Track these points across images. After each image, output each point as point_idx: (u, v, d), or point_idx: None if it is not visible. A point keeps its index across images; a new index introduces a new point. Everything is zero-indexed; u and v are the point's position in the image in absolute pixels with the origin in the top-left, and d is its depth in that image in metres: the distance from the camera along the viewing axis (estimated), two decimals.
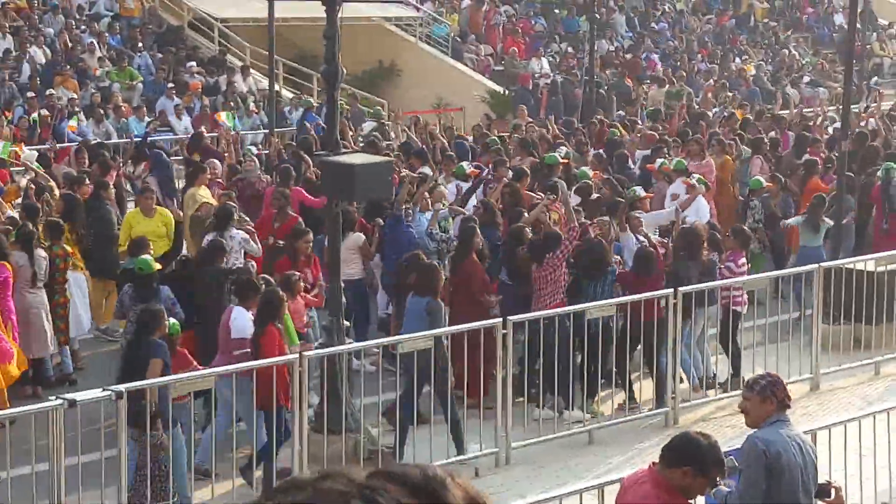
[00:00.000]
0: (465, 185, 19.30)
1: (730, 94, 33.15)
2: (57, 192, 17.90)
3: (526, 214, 16.86)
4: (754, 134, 24.29)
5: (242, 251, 15.91)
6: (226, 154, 22.17)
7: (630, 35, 41.76)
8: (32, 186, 18.46)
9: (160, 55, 32.08)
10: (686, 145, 22.15)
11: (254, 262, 15.72)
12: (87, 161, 20.62)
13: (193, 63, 31.79)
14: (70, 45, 30.89)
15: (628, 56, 38.89)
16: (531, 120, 27.68)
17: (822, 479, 8.55)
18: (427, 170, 19.63)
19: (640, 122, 26.69)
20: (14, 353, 13.78)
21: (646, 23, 42.84)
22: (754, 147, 22.58)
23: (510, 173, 19.82)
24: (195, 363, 12.65)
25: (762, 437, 8.19)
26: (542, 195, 17.85)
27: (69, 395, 10.87)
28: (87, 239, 16.84)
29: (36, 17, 31.69)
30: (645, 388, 15.18)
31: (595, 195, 18.60)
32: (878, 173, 21.10)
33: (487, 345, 13.82)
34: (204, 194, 18.50)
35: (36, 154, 21.20)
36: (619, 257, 15.93)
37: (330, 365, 12.84)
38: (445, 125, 27.12)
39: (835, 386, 16.02)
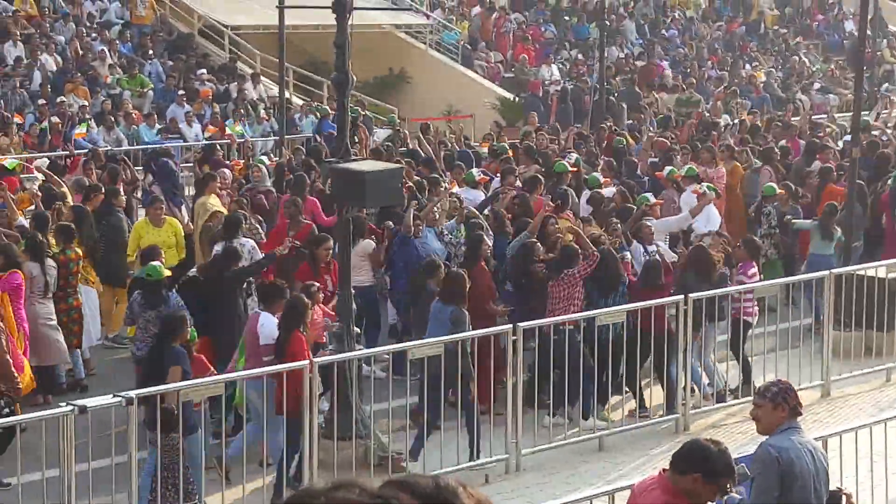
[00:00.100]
0: (474, 192, 19.26)
1: (740, 101, 33.12)
2: (70, 199, 17.95)
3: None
4: (763, 142, 24.27)
5: (252, 259, 15.92)
6: (232, 162, 22.24)
7: (640, 42, 41.76)
8: (39, 193, 18.51)
9: (171, 62, 32.14)
10: (697, 153, 22.13)
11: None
12: (93, 170, 20.66)
13: (204, 70, 31.85)
14: (81, 52, 30.96)
15: (639, 63, 38.87)
16: (540, 127, 27.66)
17: (833, 486, 8.53)
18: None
19: (651, 129, 26.66)
20: (25, 367, 13.77)
21: (656, 30, 42.85)
22: (764, 157, 22.54)
23: (518, 182, 19.85)
24: (212, 369, 12.70)
25: (775, 444, 8.17)
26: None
27: (79, 402, 10.89)
28: (95, 249, 16.86)
29: (47, 24, 31.77)
30: (655, 395, 15.16)
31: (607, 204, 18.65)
32: (889, 181, 21.09)
33: (496, 351, 13.82)
34: (214, 203, 18.52)
35: (47, 161, 21.28)
36: (628, 254, 15.95)
37: (340, 371, 12.85)
38: (458, 135, 27.14)
39: (846, 392, 15.99)
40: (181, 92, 29.85)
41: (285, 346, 12.49)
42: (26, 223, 16.87)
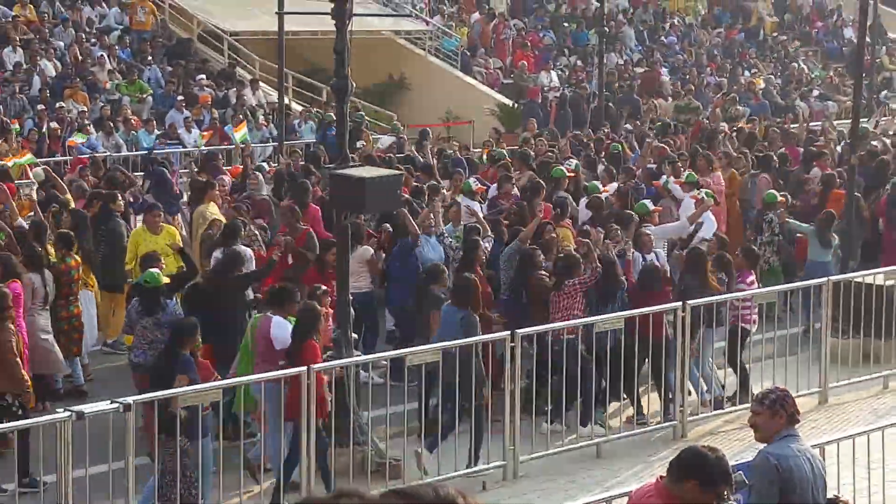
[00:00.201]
0: (471, 201, 19.25)
1: (739, 109, 33.13)
2: (73, 205, 17.95)
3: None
4: (760, 149, 24.28)
5: (253, 265, 15.93)
6: (232, 168, 22.26)
7: (639, 49, 41.80)
8: (34, 198, 18.53)
9: (170, 68, 32.15)
10: (694, 160, 22.15)
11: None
12: (89, 176, 20.66)
13: (203, 76, 31.86)
14: (80, 58, 30.97)
15: (639, 70, 38.90)
16: (539, 133, 27.68)
17: (830, 494, 8.54)
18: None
19: (650, 135, 26.66)
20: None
21: (655, 36, 42.89)
22: (762, 164, 22.56)
23: (515, 189, 19.87)
24: (216, 374, 12.73)
25: (774, 452, 8.17)
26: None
27: (77, 408, 10.88)
28: (94, 255, 16.86)
29: (46, 30, 31.78)
30: (653, 402, 15.16)
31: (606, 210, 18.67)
32: (887, 188, 21.12)
33: (493, 358, 13.83)
34: (213, 211, 18.52)
35: (42, 175, 21.26)
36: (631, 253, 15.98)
37: (338, 377, 12.84)
38: (459, 146, 27.16)
39: (843, 400, 15.99)
40: (180, 97, 29.86)
41: (299, 354, 12.51)
42: (25, 225, 16.87)
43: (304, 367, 12.15)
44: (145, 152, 25.37)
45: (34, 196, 19.10)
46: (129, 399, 10.99)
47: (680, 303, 14.52)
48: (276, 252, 15.70)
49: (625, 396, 15.13)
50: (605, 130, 27.52)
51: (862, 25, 21.80)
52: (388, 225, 17.58)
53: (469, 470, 13.23)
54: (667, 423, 14.72)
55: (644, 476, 12.91)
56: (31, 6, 32.33)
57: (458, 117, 34.26)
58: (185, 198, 21.17)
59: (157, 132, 27.90)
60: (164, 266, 15.06)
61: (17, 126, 25.94)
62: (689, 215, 18.63)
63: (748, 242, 18.39)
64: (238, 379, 12.86)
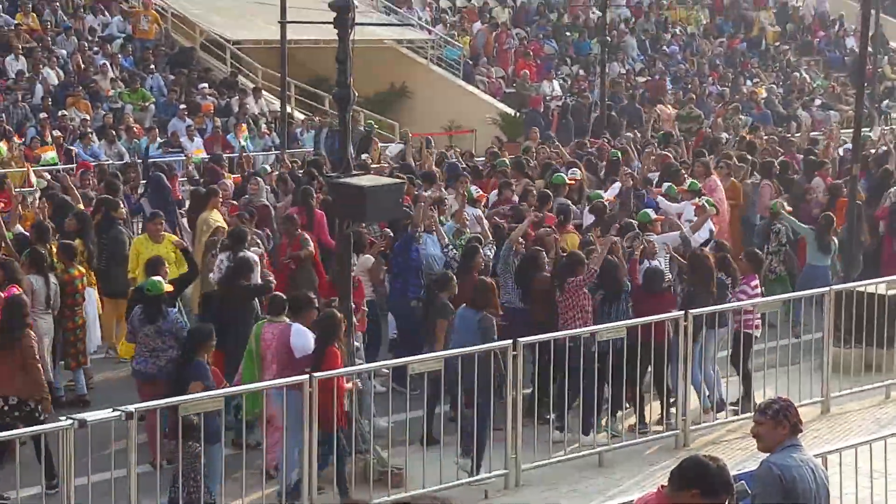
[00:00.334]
0: (472, 209, 19.27)
1: (742, 118, 33.14)
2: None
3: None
4: (760, 157, 24.29)
5: (259, 271, 15.94)
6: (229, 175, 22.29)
7: (641, 58, 41.83)
8: (44, 205, 18.54)
9: (172, 76, 32.18)
10: (692, 167, 22.17)
11: (273, 278, 15.76)
12: (90, 181, 20.66)
13: (205, 84, 31.89)
14: (83, 66, 31.00)
15: (641, 79, 38.93)
16: (542, 142, 27.69)
17: None
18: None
19: (653, 144, 26.64)
20: None
21: (657, 46, 42.91)
22: (763, 172, 22.57)
23: (516, 197, 19.89)
24: (225, 382, 12.76)
25: (777, 462, 8.16)
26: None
27: (79, 415, 10.88)
28: (97, 258, 16.89)
29: (49, 38, 31.80)
30: (656, 410, 15.16)
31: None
32: (890, 196, 21.13)
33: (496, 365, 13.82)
34: (217, 218, 18.53)
35: (45, 183, 21.29)
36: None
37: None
38: (461, 150, 27.20)
39: (845, 409, 15.98)
40: (183, 106, 29.88)
41: (320, 361, 12.54)
42: (25, 232, 16.89)
43: (306, 376, 12.16)
44: (144, 157, 25.35)
45: (37, 202, 19.10)
46: (131, 407, 10.99)
47: (682, 312, 14.50)
48: (285, 259, 15.74)
49: (627, 405, 15.12)
50: (606, 138, 27.52)
51: (864, 35, 21.81)
52: (388, 230, 17.59)
53: (471, 479, 13.22)
54: (669, 432, 14.72)
55: (646, 485, 12.91)
56: (34, 14, 32.38)
57: (461, 126, 34.28)
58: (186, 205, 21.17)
59: (159, 140, 27.93)
60: (167, 272, 15.08)
61: (19, 143, 25.91)
62: (692, 224, 18.64)
63: (750, 249, 18.34)
64: (247, 386, 12.86)
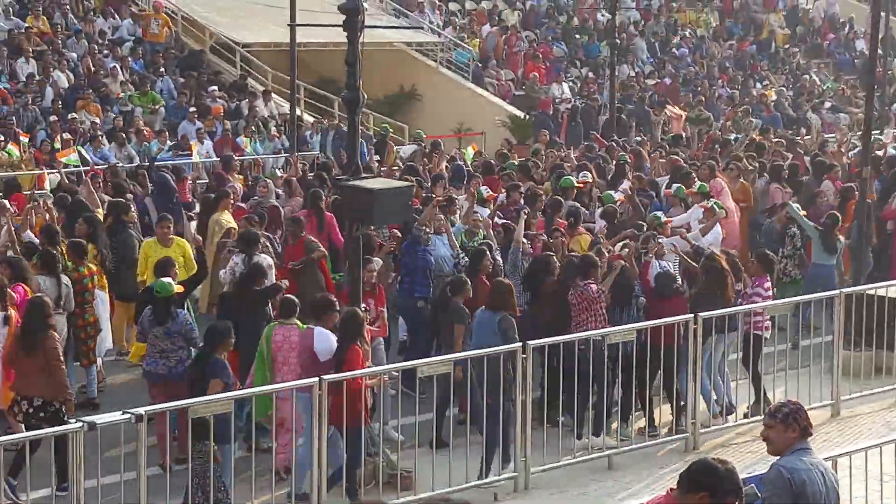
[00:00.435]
0: (481, 209, 19.28)
1: (752, 120, 33.11)
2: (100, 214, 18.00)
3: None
4: (769, 159, 24.27)
5: (273, 274, 15.96)
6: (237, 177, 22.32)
7: (651, 60, 41.81)
8: (52, 209, 18.57)
9: (182, 79, 32.23)
10: (698, 168, 22.16)
11: (286, 282, 15.79)
12: (101, 184, 20.69)
13: (215, 87, 31.92)
14: (93, 69, 31.05)
15: (650, 81, 38.88)
16: (551, 145, 27.68)
17: None
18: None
19: (664, 147, 26.62)
20: None
21: (666, 48, 42.89)
22: (772, 174, 22.55)
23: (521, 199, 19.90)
24: (238, 384, 12.80)
25: (786, 465, 8.15)
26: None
27: (89, 418, 10.89)
28: (108, 261, 16.92)
29: (59, 41, 31.87)
30: (665, 414, 15.14)
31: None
32: None
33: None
34: (228, 219, 18.56)
35: (57, 179, 21.35)
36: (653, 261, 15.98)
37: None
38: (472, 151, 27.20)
39: (856, 412, 15.95)
40: (192, 109, 29.92)
41: (343, 360, 12.58)
42: (34, 240, 16.92)
43: (316, 378, 12.17)
44: (151, 161, 25.40)
45: (49, 204, 19.13)
46: (141, 410, 11.00)
47: (691, 315, 14.49)
48: (295, 264, 15.78)
49: (638, 408, 15.11)
50: (616, 141, 27.50)
51: (874, 37, 21.78)
52: (397, 231, 17.59)
53: (480, 481, 13.22)
54: (679, 435, 14.70)
55: (655, 488, 12.91)
56: (45, 18, 32.45)
57: (470, 129, 34.29)
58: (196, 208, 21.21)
59: (169, 143, 27.98)
60: (176, 273, 15.12)
61: (25, 141, 25.97)
62: (702, 227, 18.63)
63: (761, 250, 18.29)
64: (260, 388, 12.89)
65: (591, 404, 14.28)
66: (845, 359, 16.08)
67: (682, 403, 14.89)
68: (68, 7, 33.49)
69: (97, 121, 28.38)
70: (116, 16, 34.44)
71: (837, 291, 16.35)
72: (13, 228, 16.75)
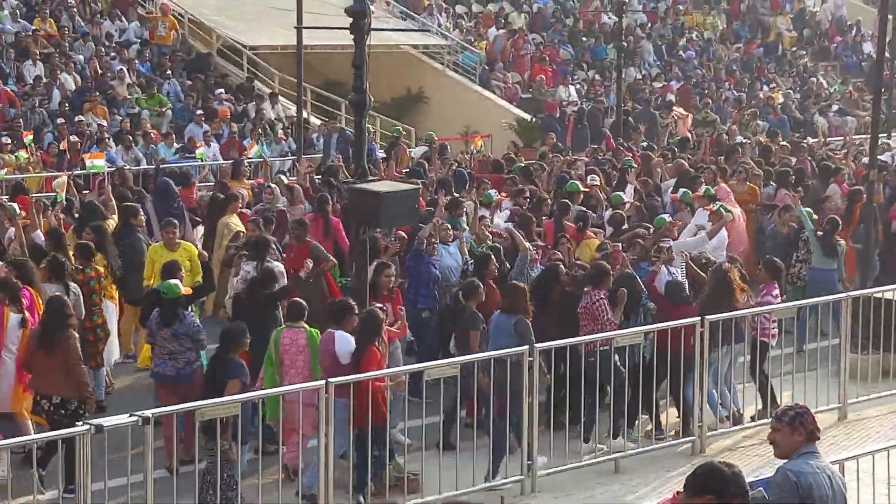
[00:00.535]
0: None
1: (759, 123, 33.08)
2: (111, 221, 17.99)
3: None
4: (778, 161, 24.26)
5: (284, 280, 15.97)
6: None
7: (658, 63, 41.79)
8: (61, 216, 18.60)
9: (189, 82, 32.27)
10: (703, 172, 22.17)
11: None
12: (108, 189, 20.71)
13: (222, 90, 31.96)
14: (100, 71, 31.09)
15: (657, 84, 38.86)
16: (555, 149, 27.63)
17: None
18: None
19: (675, 149, 26.55)
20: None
21: (673, 51, 42.87)
22: (780, 179, 22.53)
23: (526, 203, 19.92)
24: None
25: (793, 469, 8.14)
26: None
27: (96, 421, 10.90)
28: (117, 269, 16.93)
29: (66, 44, 31.90)
30: (672, 417, 15.13)
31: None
32: None
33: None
34: (237, 223, 18.57)
35: (65, 182, 21.35)
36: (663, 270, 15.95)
37: None
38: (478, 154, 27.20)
39: (863, 415, 15.93)
40: (199, 111, 29.94)
41: (360, 360, 12.62)
42: (41, 240, 16.94)
43: (323, 382, 12.18)
44: (166, 166, 25.41)
45: (58, 211, 19.16)
46: (148, 412, 11.01)
47: (698, 318, 14.46)
48: (303, 271, 15.79)
49: (644, 413, 15.09)
50: (623, 145, 27.50)
51: (881, 40, 21.75)
52: (402, 233, 17.58)
53: (487, 484, 13.22)
54: (686, 439, 14.69)
55: (662, 491, 12.91)
56: (52, 20, 32.49)
57: (477, 132, 34.29)
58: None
59: (176, 146, 28.01)
60: (183, 276, 15.15)
61: (29, 138, 25.99)
62: (709, 230, 18.61)
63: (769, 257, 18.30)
64: (266, 391, 12.93)
65: (597, 409, 14.27)
66: (852, 362, 16.07)
67: (695, 406, 14.84)
68: (75, 10, 33.54)
69: (104, 123, 28.40)
70: (123, 18, 34.48)
71: (845, 295, 16.33)
72: (21, 230, 16.78)
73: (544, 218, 19.31)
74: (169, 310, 14.06)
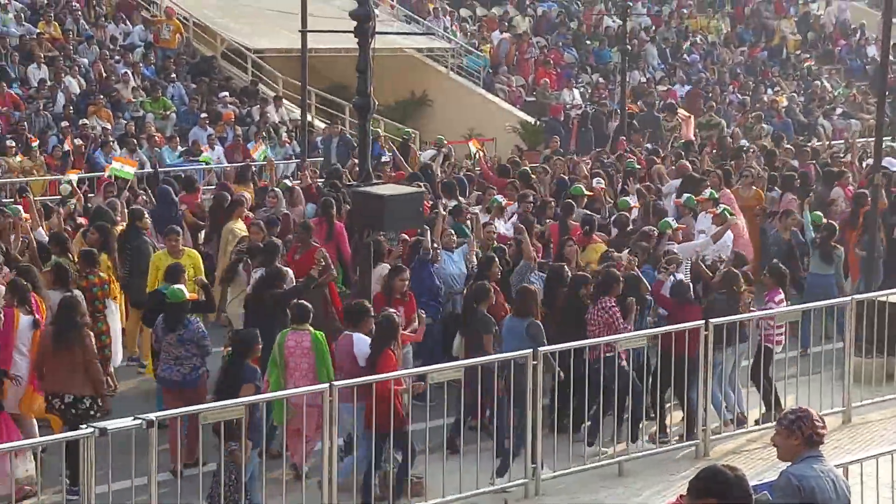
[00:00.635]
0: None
1: (763, 127, 33.06)
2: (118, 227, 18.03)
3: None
4: (781, 165, 24.25)
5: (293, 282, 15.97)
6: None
7: (662, 67, 41.79)
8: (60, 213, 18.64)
9: (193, 85, 32.29)
10: (709, 176, 22.16)
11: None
12: (113, 193, 20.74)
13: (226, 93, 31.98)
14: (105, 75, 31.12)
15: (661, 88, 38.86)
16: (558, 153, 27.61)
17: None
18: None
19: (681, 152, 26.53)
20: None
21: (677, 54, 42.87)
22: (785, 183, 22.51)
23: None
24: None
25: (795, 472, 8.13)
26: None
27: (100, 424, 10.92)
28: (120, 269, 16.94)
29: (71, 47, 31.93)
30: (676, 420, 15.13)
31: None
32: None
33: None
34: (241, 228, 18.56)
35: (69, 188, 21.38)
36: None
37: None
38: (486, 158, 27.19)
39: (867, 419, 15.93)
40: (204, 115, 29.97)
41: (376, 364, 12.68)
42: (42, 237, 16.97)
43: (327, 385, 12.18)
44: (170, 168, 25.44)
45: (61, 212, 19.18)
46: (152, 415, 11.02)
47: (703, 322, 14.46)
48: (315, 269, 15.80)
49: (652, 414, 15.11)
50: (629, 149, 27.49)
51: (885, 44, 21.77)
52: (406, 237, 17.58)
53: (491, 488, 13.22)
54: (689, 442, 14.68)
55: (666, 494, 12.91)
56: (56, 23, 32.51)
57: (481, 135, 34.31)
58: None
59: (180, 149, 28.03)
60: (186, 279, 15.16)
61: (35, 144, 26.05)
62: (713, 234, 18.62)
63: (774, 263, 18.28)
64: (274, 394, 12.93)
65: (600, 411, 14.27)
66: (856, 365, 16.06)
67: (699, 409, 14.84)
68: (80, 13, 33.57)
69: (108, 126, 28.42)
70: (128, 22, 34.50)
71: (849, 298, 16.33)
72: (29, 230, 16.81)
73: (548, 221, 19.30)
74: (173, 315, 14.08)
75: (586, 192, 20.55)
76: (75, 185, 21.65)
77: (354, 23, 14.08)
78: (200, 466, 11.76)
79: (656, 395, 14.75)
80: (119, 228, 18.03)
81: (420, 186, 18.70)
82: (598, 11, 43.75)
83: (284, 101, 32.97)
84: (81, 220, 19.07)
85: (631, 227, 18.97)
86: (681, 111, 33.47)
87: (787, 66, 44.61)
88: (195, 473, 11.88)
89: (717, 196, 20.25)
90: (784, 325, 15.68)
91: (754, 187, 22.16)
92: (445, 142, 27.65)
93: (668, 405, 15.15)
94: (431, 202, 19.63)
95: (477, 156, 27.45)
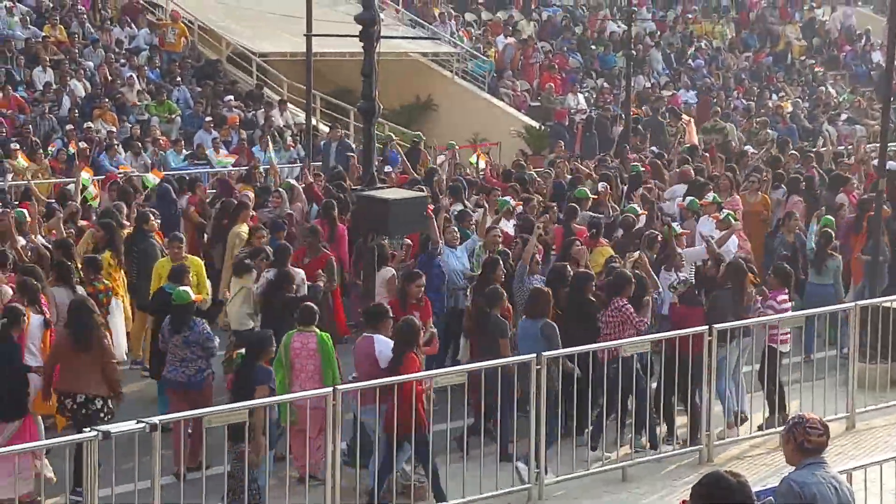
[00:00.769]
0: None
1: (769, 132, 33.05)
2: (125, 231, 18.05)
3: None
4: (785, 170, 24.23)
5: (305, 287, 15.95)
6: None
7: (667, 72, 41.79)
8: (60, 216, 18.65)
9: (199, 89, 32.32)
10: (716, 181, 22.14)
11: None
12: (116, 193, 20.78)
13: (231, 97, 32.02)
14: (110, 78, 31.15)
15: (666, 93, 38.85)
16: (563, 156, 27.61)
17: None
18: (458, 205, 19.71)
19: (687, 157, 26.52)
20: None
21: (682, 60, 42.88)
22: (791, 187, 22.50)
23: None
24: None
25: (797, 479, 8.12)
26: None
27: (103, 427, 10.91)
28: (130, 271, 16.94)
29: (76, 50, 31.96)
30: (679, 423, 15.11)
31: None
32: None
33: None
34: (247, 231, 18.56)
35: (89, 178, 21.44)
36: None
37: None
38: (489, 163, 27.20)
39: (871, 425, 15.90)
40: (208, 118, 29.99)
41: (398, 367, 12.68)
42: (42, 243, 16.99)
43: (330, 389, 12.18)
44: (174, 172, 25.47)
45: (61, 215, 19.18)
46: (156, 419, 11.02)
47: (706, 327, 14.44)
48: (321, 280, 15.82)
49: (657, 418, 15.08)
50: (628, 151, 27.51)
51: (890, 49, 21.70)
52: (409, 241, 17.59)
53: (495, 493, 13.20)
54: (693, 447, 14.67)
55: (669, 500, 12.91)
56: (62, 27, 32.56)
57: (486, 139, 34.32)
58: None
59: (185, 152, 28.05)
60: (191, 281, 15.17)
61: (52, 149, 26.15)
62: (717, 238, 18.58)
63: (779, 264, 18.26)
64: (279, 398, 12.91)
65: (603, 415, 14.26)
66: (860, 371, 16.04)
67: (703, 414, 14.82)
68: (85, 16, 33.62)
69: (113, 130, 28.46)
70: (133, 25, 34.55)
71: (853, 304, 16.31)
72: (35, 233, 16.87)
73: (548, 224, 19.29)
74: (179, 316, 14.10)
75: (591, 196, 20.53)
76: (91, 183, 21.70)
77: (359, 27, 14.08)
78: (204, 470, 11.76)
79: (660, 400, 14.72)
80: (126, 231, 18.03)
81: (422, 190, 18.69)
82: (603, 16, 43.79)
83: (289, 104, 33.00)
84: (84, 222, 19.07)
85: (636, 228, 18.97)
86: (683, 116, 33.48)
87: (791, 72, 44.61)
88: (198, 477, 11.87)
89: (720, 200, 20.23)
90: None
91: (760, 193, 22.13)
92: (456, 146, 27.66)
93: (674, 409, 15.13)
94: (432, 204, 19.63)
95: (480, 164, 27.44)
